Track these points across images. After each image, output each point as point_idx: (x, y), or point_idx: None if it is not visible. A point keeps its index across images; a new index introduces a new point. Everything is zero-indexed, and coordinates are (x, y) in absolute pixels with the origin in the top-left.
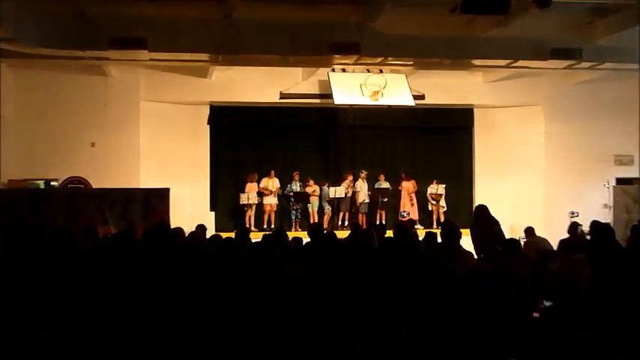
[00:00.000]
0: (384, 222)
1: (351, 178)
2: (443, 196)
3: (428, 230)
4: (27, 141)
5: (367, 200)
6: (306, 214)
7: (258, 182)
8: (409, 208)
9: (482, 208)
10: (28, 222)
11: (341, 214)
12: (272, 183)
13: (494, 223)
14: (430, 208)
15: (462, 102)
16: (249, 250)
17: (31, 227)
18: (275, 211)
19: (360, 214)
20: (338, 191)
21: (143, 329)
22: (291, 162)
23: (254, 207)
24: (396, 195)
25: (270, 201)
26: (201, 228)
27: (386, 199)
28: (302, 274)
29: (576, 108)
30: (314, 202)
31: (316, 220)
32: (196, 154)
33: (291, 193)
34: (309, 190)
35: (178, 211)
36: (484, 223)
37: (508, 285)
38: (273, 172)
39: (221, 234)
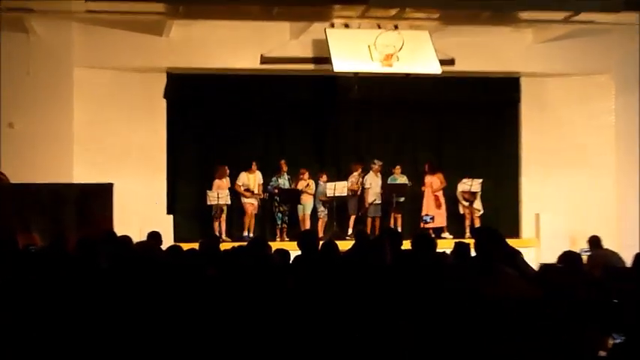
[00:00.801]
0: (399, 229)
1: (360, 170)
2: (478, 196)
3: (458, 241)
4: None
5: (378, 200)
6: (295, 218)
7: (232, 177)
8: (434, 211)
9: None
10: None
11: (349, 219)
12: (253, 179)
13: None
14: (462, 212)
15: (504, 69)
16: (211, 268)
17: None
18: (256, 215)
19: (369, 219)
20: (338, 187)
21: None
22: (277, 149)
23: (226, 209)
24: (416, 193)
25: (251, 201)
26: (155, 237)
27: (402, 199)
28: (287, 300)
29: None
30: (306, 202)
31: (308, 227)
32: (149, 138)
33: (276, 190)
34: (301, 185)
35: (125, 214)
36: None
37: (566, 316)
38: (254, 164)
39: (181, 245)
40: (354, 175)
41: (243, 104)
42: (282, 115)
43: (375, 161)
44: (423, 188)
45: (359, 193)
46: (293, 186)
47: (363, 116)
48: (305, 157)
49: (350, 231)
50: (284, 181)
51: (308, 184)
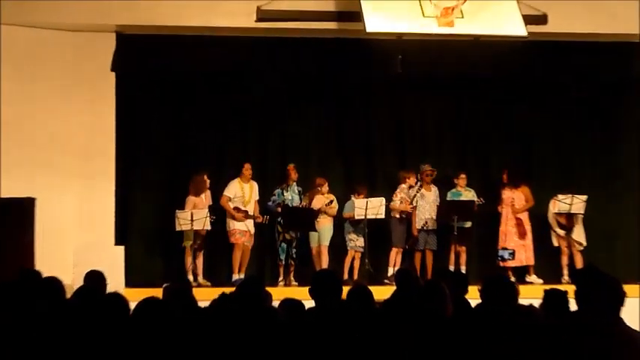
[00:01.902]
0: (463, 269)
1: (413, 180)
2: (581, 220)
3: (551, 288)
4: None
5: (431, 226)
6: (307, 251)
7: (214, 189)
8: (515, 243)
9: None
10: None
11: (390, 253)
12: (249, 190)
13: None
14: (556, 244)
15: (621, 30)
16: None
17: None
18: (252, 247)
19: (417, 252)
20: (372, 205)
21: None
22: (281, 148)
23: (203, 237)
24: (489, 215)
25: (243, 227)
26: (95, 279)
27: (469, 224)
28: None
29: None
30: (324, 227)
31: (326, 264)
32: (91, 129)
33: (280, 209)
34: (318, 202)
35: (53, 242)
36: None
37: None
38: (248, 168)
39: (136, 292)
40: (403, 189)
41: (231, 81)
42: (288, 98)
43: (425, 167)
44: (499, 208)
45: (406, 211)
46: (305, 203)
47: (408, 101)
48: (324, 160)
49: (390, 271)
50: (292, 196)
51: (331, 202)
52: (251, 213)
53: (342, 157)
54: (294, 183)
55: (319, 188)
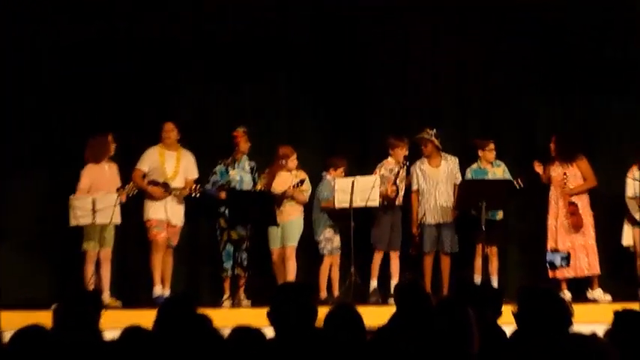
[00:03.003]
0: (495, 281)
1: (403, 149)
2: None
3: (625, 308)
4: None
5: (445, 218)
6: (264, 255)
7: (126, 155)
8: (572, 242)
9: None
10: None
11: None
12: (173, 162)
13: None
14: (629, 243)
15: None
16: None
17: None
18: (176, 247)
19: (427, 257)
20: (361, 187)
21: None
22: (222, 101)
23: (113, 236)
24: (532, 201)
25: (162, 214)
26: None
27: (501, 215)
28: None
29: None
30: (290, 221)
31: (292, 275)
32: None
33: (222, 194)
34: (280, 182)
35: None
36: None
37: None
38: (171, 128)
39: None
40: (389, 163)
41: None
42: (239, 34)
43: (428, 131)
44: (543, 178)
45: (400, 199)
46: (262, 185)
47: (412, 37)
48: (291, 123)
49: (373, 285)
50: (241, 175)
51: (301, 182)
52: (182, 192)
53: (316, 119)
54: (245, 156)
55: (283, 162)
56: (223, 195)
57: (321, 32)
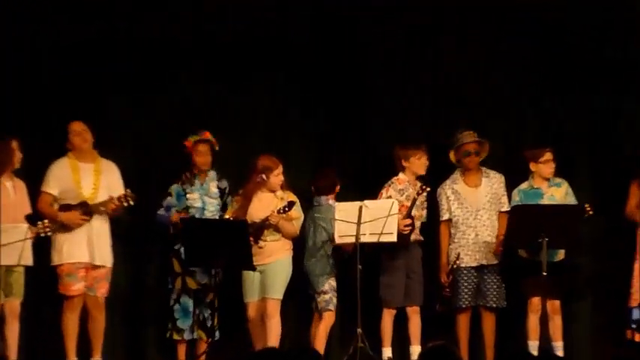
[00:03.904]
0: (559, 348)
1: (423, 159)
2: None
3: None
4: None
5: (484, 259)
6: (235, 314)
7: (32, 172)
8: None
9: None
10: None
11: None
12: (91, 175)
13: None
14: None
15: None
16: None
17: None
18: (108, 299)
19: (461, 313)
20: (375, 213)
21: None
22: (189, 101)
23: (23, 277)
24: (607, 236)
25: (82, 254)
26: None
27: (562, 255)
28: None
29: None
30: (275, 262)
31: (275, 341)
32: None
33: (177, 220)
34: (260, 206)
35: None
36: None
37: None
38: (80, 130)
39: None
40: (401, 181)
41: None
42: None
43: (465, 135)
44: (629, 219)
45: (417, 234)
46: (233, 210)
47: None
48: (272, 128)
49: (386, 354)
50: (204, 198)
51: (289, 205)
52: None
53: (311, 125)
54: (212, 174)
55: (264, 177)
56: (179, 223)
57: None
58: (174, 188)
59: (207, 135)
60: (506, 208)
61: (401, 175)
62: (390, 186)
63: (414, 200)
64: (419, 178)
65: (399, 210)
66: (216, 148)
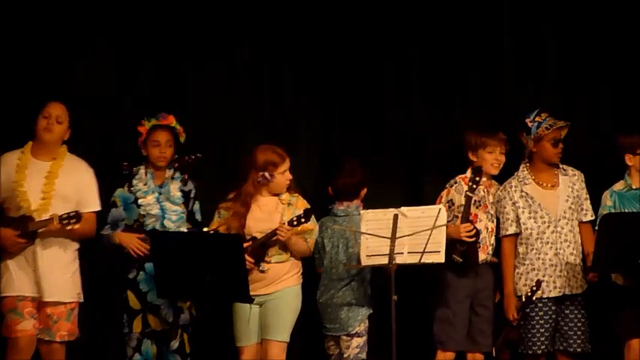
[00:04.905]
0: None
1: (499, 149)
2: None
3: None
4: None
5: (563, 287)
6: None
7: None
8: None
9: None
10: None
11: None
12: (39, 176)
13: None
14: None
15: None
16: None
17: None
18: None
19: None
20: (419, 223)
21: None
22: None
23: None
24: None
25: (24, 286)
26: None
27: None
28: None
29: None
30: (280, 292)
31: None
32: None
33: (130, 238)
34: (261, 215)
35: None
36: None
37: None
38: (60, 110)
39: None
40: (465, 181)
41: None
42: None
43: (543, 116)
44: None
45: (488, 251)
46: (221, 222)
47: None
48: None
49: None
50: (163, 203)
51: (300, 216)
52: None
53: (325, 106)
54: (176, 174)
55: (267, 176)
56: (133, 243)
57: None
58: (120, 194)
59: (171, 120)
60: (590, 216)
61: (469, 173)
62: (452, 187)
63: (469, 199)
64: (493, 178)
65: (472, 220)
66: (182, 139)
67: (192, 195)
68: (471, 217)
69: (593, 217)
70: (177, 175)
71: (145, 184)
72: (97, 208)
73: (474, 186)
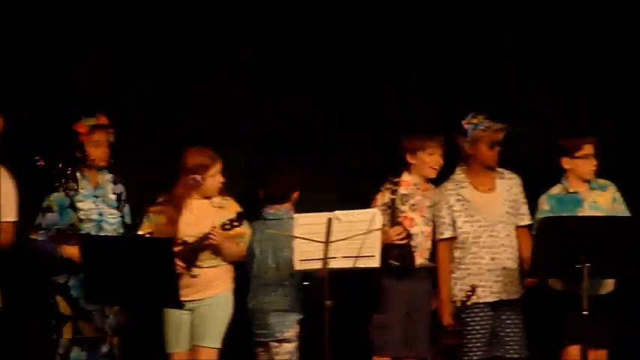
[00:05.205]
0: None
1: (436, 152)
2: None
3: None
4: None
5: (503, 292)
6: None
7: None
8: None
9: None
10: None
11: None
12: None
13: None
14: None
15: None
16: None
17: None
18: None
19: None
20: (352, 227)
21: None
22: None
23: None
24: None
25: None
26: None
27: (611, 287)
28: None
29: None
30: (213, 297)
31: None
32: None
33: (65, 246)
34: (193, 219)
35: None
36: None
37: None
38: None
39: None
40: (408, 183)
41: None
42: None
43: (478, 117)
44: None
45: (424, 254)
46: (151, 226)
47: None
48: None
49: None
50: (100, 206)
51: (234, 219)
52: None
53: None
54: (108, 176)
55: (198, 179)
56: (69, 250)
57: None
58: (56, 199)
59: (105, 120)
60: (527, 221)
61: (405, 176)
62: (388, 190)
63: (393, 201)
64: (430, 181)
65: (401, 222)
66: (112, 139)
67: (122, 197)
68: (400, 219)
69: (531, 222)
70: (110, 177)
71: (83, 188)
72: (14, 218)
73: (395, 188)
